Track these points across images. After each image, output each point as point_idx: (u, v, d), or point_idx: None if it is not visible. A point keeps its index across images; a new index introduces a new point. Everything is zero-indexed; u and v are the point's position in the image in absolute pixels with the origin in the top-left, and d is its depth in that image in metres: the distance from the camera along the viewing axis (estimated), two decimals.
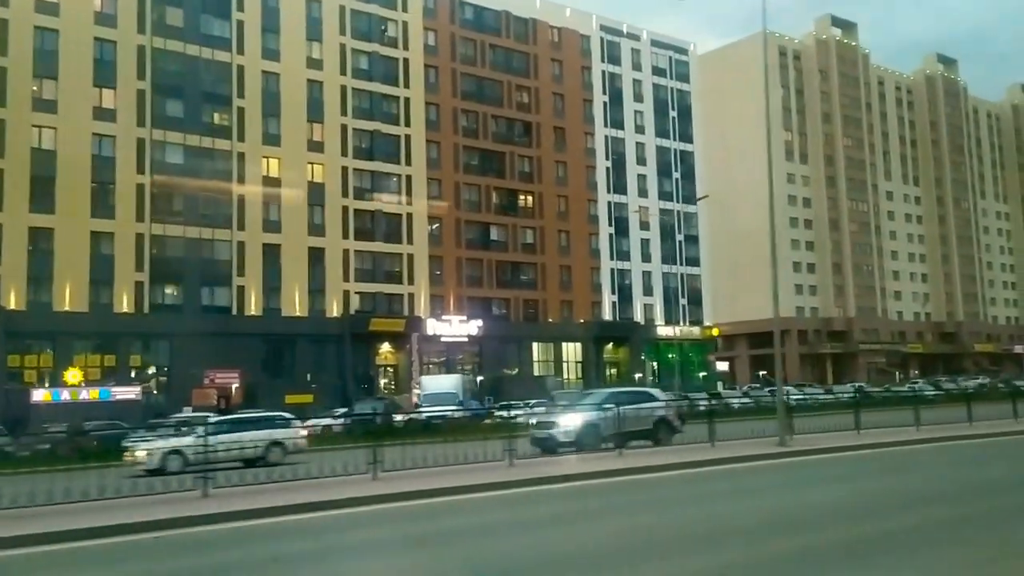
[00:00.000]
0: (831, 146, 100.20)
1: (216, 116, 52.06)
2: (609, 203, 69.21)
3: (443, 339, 58.30)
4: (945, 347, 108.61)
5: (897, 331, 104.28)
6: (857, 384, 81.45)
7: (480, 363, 60.67)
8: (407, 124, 59.63)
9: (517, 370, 61.12)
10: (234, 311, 51.08)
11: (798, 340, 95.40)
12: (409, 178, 59.18)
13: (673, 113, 74.85)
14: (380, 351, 57.78)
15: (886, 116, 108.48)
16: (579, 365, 65.85)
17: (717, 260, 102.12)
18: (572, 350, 65.76)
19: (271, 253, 52.68)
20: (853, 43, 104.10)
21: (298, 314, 53.23)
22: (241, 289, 51.42)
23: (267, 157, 53.31)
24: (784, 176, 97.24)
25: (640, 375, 67.20)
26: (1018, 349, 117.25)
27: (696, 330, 73.39)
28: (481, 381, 55.34)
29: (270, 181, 53.15)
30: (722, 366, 79.13)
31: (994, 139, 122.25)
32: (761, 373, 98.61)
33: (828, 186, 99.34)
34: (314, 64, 56.00)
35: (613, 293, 68.55)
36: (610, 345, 69.37)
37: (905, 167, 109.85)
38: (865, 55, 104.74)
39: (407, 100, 59.77)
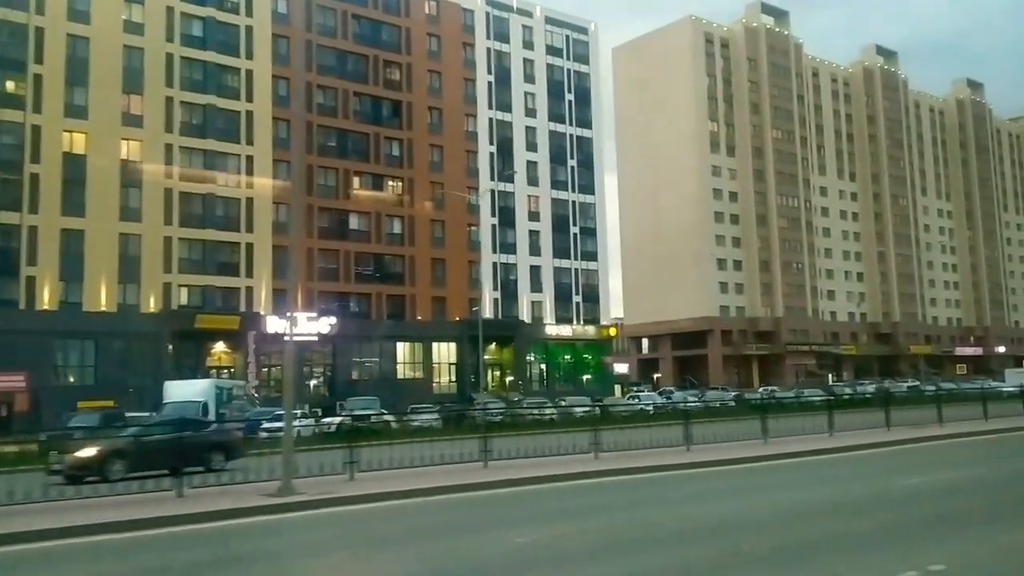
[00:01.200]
0: (760, 138, 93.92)
1: (7, 84, 45.06)
2: (493, 191, 62.56)
3: (286, 338, 51.30)
4: (881, 349, 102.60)
5: (830, 332, 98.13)
6: (770, 388, 75.31)
7: (332, 365, 53.89)
8: (249, 99, 52.72)
9: (368, 373, 54.33)
10: (22, 305, 44.06)
11: (722, 341, 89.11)
12: (251, 159, 52.24)
13: (570, 96, 68.13)
14: (213, 351, 50.88)
15: (821, 109, 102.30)
16: (453, 367, 59.15)
17: (641, 257, 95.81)
18: (445, 351, 59.03)
19: (72, 240, 45.53)
20: (785, 32, 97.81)
21: (104, 309, 46.18)
22: (31, 280, 44.37)
23: (70, 131, 46.08)
24: (709, 168, 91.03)
25: (520, 379, 60.67)
26: (960, 351, 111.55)
27: (591, 329, 66.78)
28: (315, 385, 48.63)
29: (73, 158, 46.07)
30: (620, 368, 72.52)
31: (936, 134, 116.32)
32: (687, 377, 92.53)
33: (756, 180, 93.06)
34: (133, 28, 48.83)
35: (495, 289, 61.83)
36: (493, 345, 62.75)
37: (840, 162, 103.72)
38: (798, 45, 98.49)
39: (249, 72, 52.81)
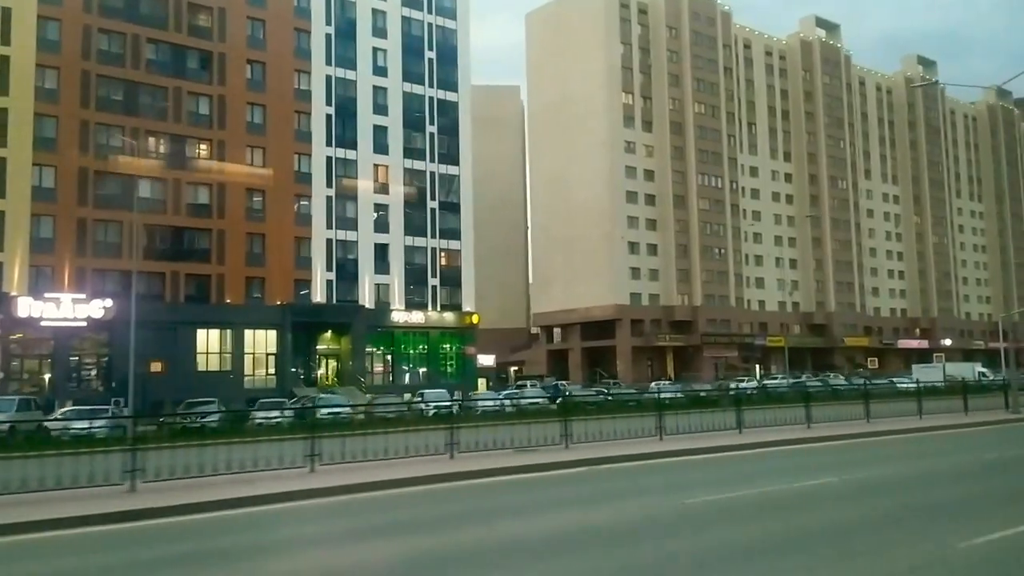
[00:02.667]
0: (680, 113, 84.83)
1: None
2: (329, 158, 53.61)
3: (44, 323, 42.76)
4: (814, 341, 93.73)
5: (757, 322, 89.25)
6: (663, 381, 66.62)
7: (109, 354, 45.17)
8: (6, 41, 43.93)
9: (160, 365, 45.55)
10: None
11: (633, 331, 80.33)
12: (5, 111, 43.48)
13: (431, 54, 58.95)
14: None
15: (752, 83, 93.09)
16: (272, 358, 50.40)
17: (551, 239, 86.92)
18: (263, 339, 50.25)
19: None
20: None
21: None
22: None
23: None
24: (622, 144, 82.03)
25: (359, 373, 51.89)
26: (903, 344, 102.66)
27: (451, 316, 57.97)
28: (85, 378, 40.15)
29: None
30: (486, 360, 63.74)
31: (883, 114, 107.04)
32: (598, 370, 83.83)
33: (675, 158, 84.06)
34: None
35: (329, 269, 52.96)
36: (329, 334, 54.04)
37: (774, 140, 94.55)
38: (726, 13, 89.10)
39: (6, 11, 44.02)
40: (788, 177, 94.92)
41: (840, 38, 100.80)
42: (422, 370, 56.53)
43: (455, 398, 36.96)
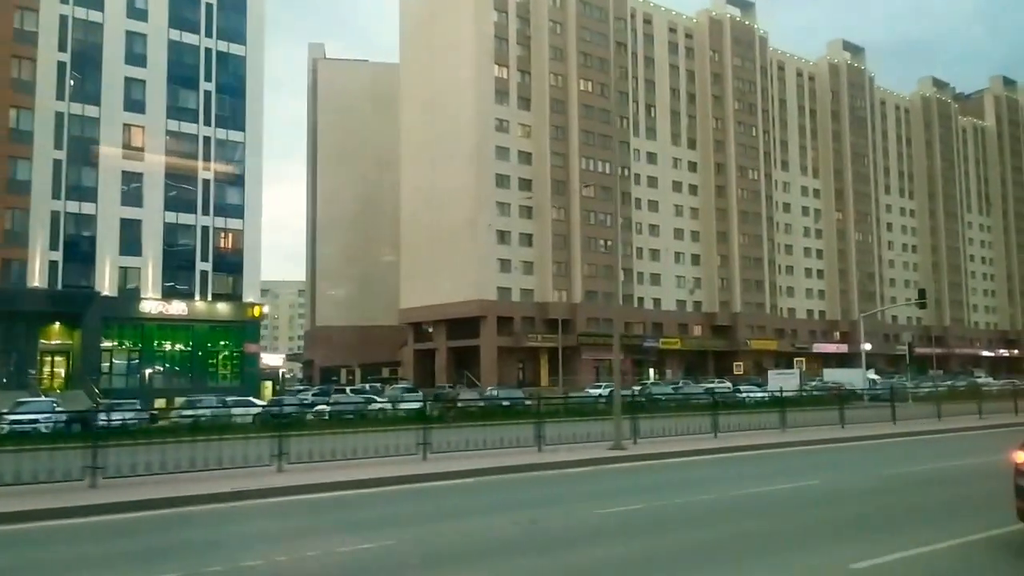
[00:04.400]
0: (564, 90, 74.75)
1: None
2: (59, 114, 43.36)
3: None
4: (717, 343, 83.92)
5: (651, 322, 79.37)
6: (470, 386, 56.56)
7: None
8: None
9: None
10: None
11: (501, 330, 70.31)
12: None
13: None
14: None
15: (653, 62, 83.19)
16: None
17: (419, 227, 76.85)
18: None
19: None
20: None
21: None
22: None
23: None
24: (492, 122, 71.94)
25: (90, 373, 41.64)
26: (819, 348, 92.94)
27: (225, 307, 47.74)
28: None
29: None
30: (272, 359, 53.52)
31: (804, 102, 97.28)
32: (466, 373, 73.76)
33: (556, 139, 74.00)
34: None
35: (54, 248, 42.77)
36: (57, 326, 43.80)
37: (676, 125, 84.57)
38: None
39: None
40: (693, 166, 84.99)
41: (755, 18, 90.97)
42: (187, 370, 46.28)
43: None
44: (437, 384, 65.72)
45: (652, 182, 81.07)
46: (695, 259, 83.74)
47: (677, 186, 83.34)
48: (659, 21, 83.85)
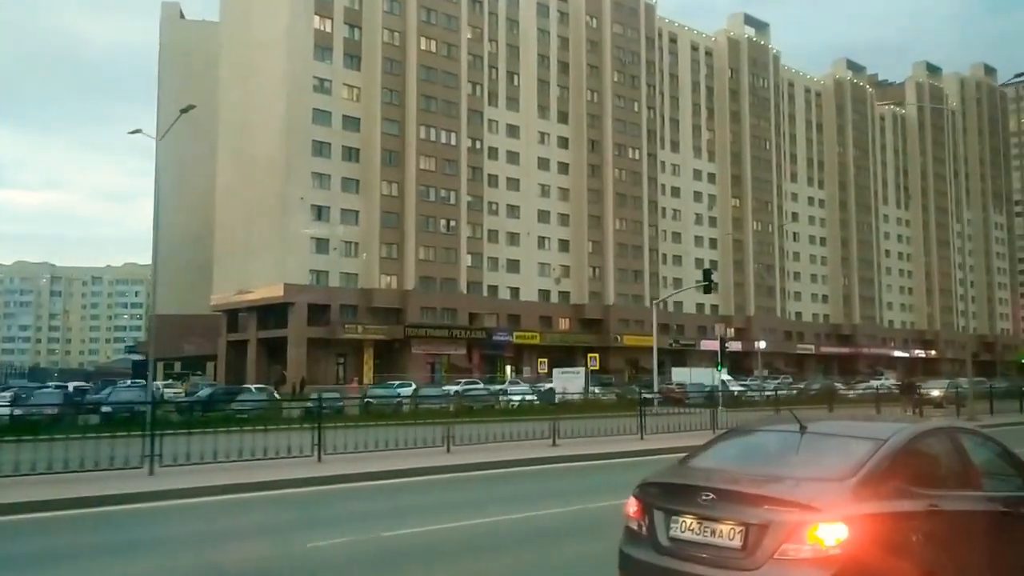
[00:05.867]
0: (402, 50, 64.79)
1: None
2: None
3: None
4: (584, 339, 74.04)
5: (505, 314, 69.59)
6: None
7: None
8: None
9: None
10: None
11: (312, 320, 60.11)
12: None
13: None
14: None
15: (517, 24, 73.19)
16: None
17: (233, 201, 66.64)
18: None
19: None
20: None
21: None
22: None
23: None
24: (309, 82, 61.56)
25: None
26: (706, 345, 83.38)
27: None
28: None
29: None
30: None
31: (699, 78, 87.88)
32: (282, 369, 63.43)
33: (389, 104, 63.27)
34: None
35: None
36: None
37: (543, 96, 74.32)
38: None
39: None
40: (564, 142, 75.12)
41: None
42: None
43: None
44: (247, 381, 55.50)
45: (512, 158, 71.20)
46: (563, 245, 74.01)
47: (544, 163, 73.54)
48: None
